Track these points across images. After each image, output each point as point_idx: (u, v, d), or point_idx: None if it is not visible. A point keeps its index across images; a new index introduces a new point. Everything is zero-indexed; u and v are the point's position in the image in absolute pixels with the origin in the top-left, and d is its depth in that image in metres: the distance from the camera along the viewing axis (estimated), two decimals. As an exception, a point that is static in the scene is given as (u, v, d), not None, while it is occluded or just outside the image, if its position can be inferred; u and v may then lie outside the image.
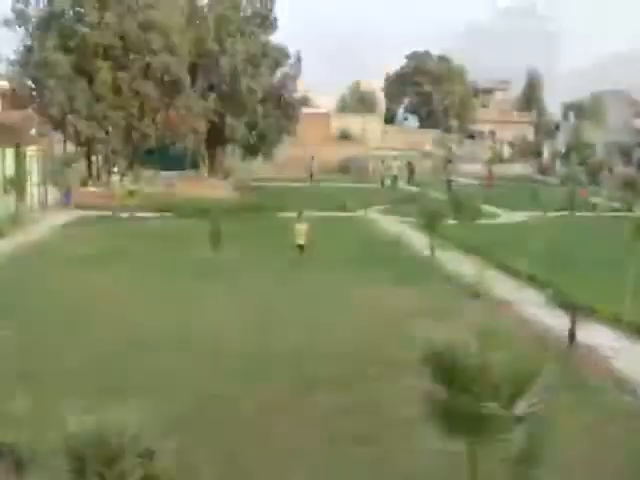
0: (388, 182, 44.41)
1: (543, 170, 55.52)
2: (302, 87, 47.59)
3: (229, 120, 39.23)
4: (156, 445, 5.73)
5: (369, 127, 66.77)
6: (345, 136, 61.04)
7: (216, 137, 40.61)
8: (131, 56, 34.36)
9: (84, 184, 35.03)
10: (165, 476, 5.74)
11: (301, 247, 20.14)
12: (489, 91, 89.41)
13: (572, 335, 12.63)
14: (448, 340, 6.70)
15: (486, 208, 30.10)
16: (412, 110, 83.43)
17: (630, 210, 34.14)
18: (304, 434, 8.96)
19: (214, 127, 39.29)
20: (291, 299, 16.05)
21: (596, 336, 13.23)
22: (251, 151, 43.08)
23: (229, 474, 8.00)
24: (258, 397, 10.19)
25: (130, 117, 34.65)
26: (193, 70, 38.02)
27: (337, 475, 7.97)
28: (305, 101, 48.03)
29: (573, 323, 12.69)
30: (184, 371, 11.17)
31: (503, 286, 17.63)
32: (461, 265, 20.03)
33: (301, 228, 20.35)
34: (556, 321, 13.29)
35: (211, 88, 39.27)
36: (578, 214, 33.35)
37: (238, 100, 38.93)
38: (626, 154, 50.99)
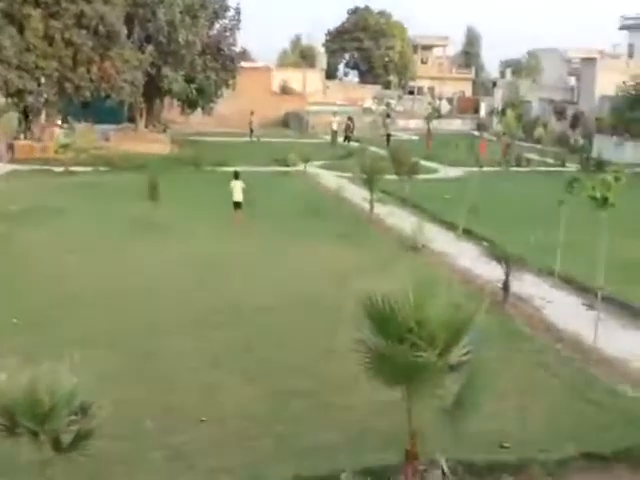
0: (329, 137, 44.35)
1: (481, 126, 56.21)
2: (242, 40, 46.76)
3: (167, 73, 38.26)
4: (91, 401, 5.65)
5: (310, 82, 66.25)
6: (286, 91, 60.40)
7: (153, 90, 39.60)
8: (63, 4, 32.95)
9: (16, 137, 33.81)
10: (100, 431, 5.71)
11: (237, 204, 19.84)
12: (428, 47, 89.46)
13: (506, 286, 13.00)
14: (385, 292, 6.82)
15: (425, 163, 30.42)
16: (353, 66, 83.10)
17: (563, 165, 35.03)
18: (246, 388, 9.03)
19: (151, 80, 38.27)
20: (229, 254, 16.02)
21: (529, 287, 13.67)
22: (190, 105, 42.27)
23: (168, 427, 8.04)
24: (196, 352, 10.20)
25: (63, 68, 33.36)
26: (129, 21, 36.78)
27: (276, 425, 8.06)
28: (245, 55, 47.13)
29: (507, 275, 13.04)
30: (119, 326, 11.07)
31: (440, 239, 18.00)
32: (400, 219, 20.31)
33: (237, 185, 20.01)
34: (491, 273, 13.63)
35: (148, 40, 38.11)
36: (513, 169, 34.05)
37: (176, 52, 37.98)
38: (560, 111, 51.97)
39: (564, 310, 12.89)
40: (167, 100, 44.10)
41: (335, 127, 44.66)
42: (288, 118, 55.74)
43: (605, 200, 12.07)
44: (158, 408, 8.35)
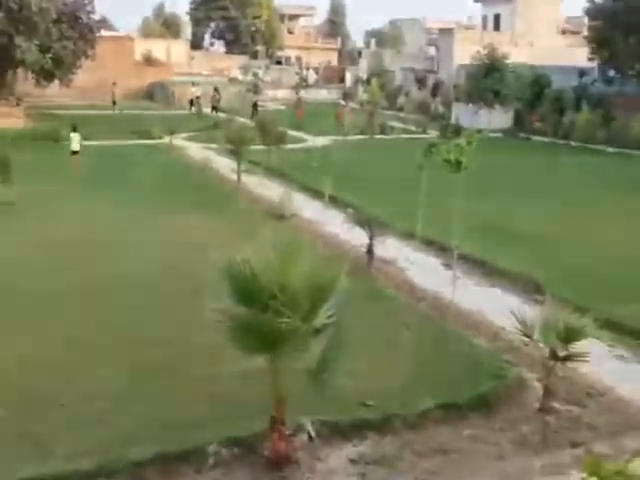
0: (193, 109, 43.52)
1: (347, 95, 57.05)
2: (101, 8, 44.74)
3: (19, 42, 35.89)
4: None
5: (174, 52, 64.56)
6: (150, 61, 58.50)
7: (5, 60, 37.11)
8: None
9: None
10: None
11: (75, 152, 22.91)
12: (295, 17, 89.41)
13: (370, 250, 13.34)
14: (248, 260, 6.79)
15: (293, 133, 30.52)
16: (219, 35, 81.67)
17: (425, 132, 36.25)
18: (105, 367, 8.77)
19: (3, 49, 35.82)
20: (91, 228, 15.44)
21: (393, 250, 14.10)
22: (46, 76, 39.93)
23: (23, 413, 7.69)
24: (52, 331, 9.79)
25: None
26: (-28, -16, 34.18)
27: (138, 403, 7.88)
28: (104, 23, 45.08)
29: (371, 239, 13.38)
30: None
31: (309, 207, 18.19)
32: (267, 189, 20.33)
33: (75, 137, 23.13)
34: (357, 238, 13.93)
35: (-4, 5, 35.59)
36: (378, 137, 34.84)
37: (28, 20, 35.64)
38: (421, 80, 53.63)
39: (425, 270, 13.41)
40: (21, 71, 41.52)
41: (194, 97, 43.94)
42: (152, 89, 54.13)
43: (459, 164, 12.60)
44: (13, 394, 7.96)
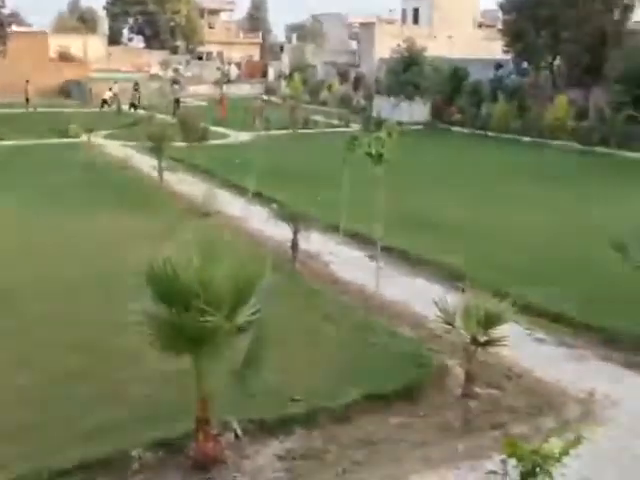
0: (114, 107, 42.52)
1: (269, 90, 56.90)
2: (12, 2, 43.12)
3: None
4: None
5: (91, 48, 62.92)
6: (65, 58, 56.81)
7: None
8: None
9: None
10: None
11: None
12: (215, 12, 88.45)
13: (295, 245, 13.33)
14: (169, 259, 6.66)
15: (216, 129, 30.23)
16: (137, 30, 79.99)
17: (347, 126, 36.50)
18: (22, 373, 8.46)
19: None
20: (9, 228, 14.93)
21: (317, 244, 14.14)
22: (-48, 74, 38.35)
23: None
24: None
25: None
26: None
27: (59, 410, 7.63)
28: (15, 18, 43.55)
29: (295, 234, 13.36)
30: None
31: (232, 204, 18.06)
32: (190, 186, 20.09)
33: None
34: (281, 233, 13.91)
35: None
36: (300, 131, 34.87)
37: None
38: (343, 74, 54.00)
39: (349, 263, 13.51)
40: None
41: (110, 95, 42.94)
42: (69, 86, 52.56)
43: (380, 156, 12.75)
44: None
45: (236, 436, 7.29)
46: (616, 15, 36.29)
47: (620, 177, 23.82)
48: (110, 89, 43.63)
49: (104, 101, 42.61)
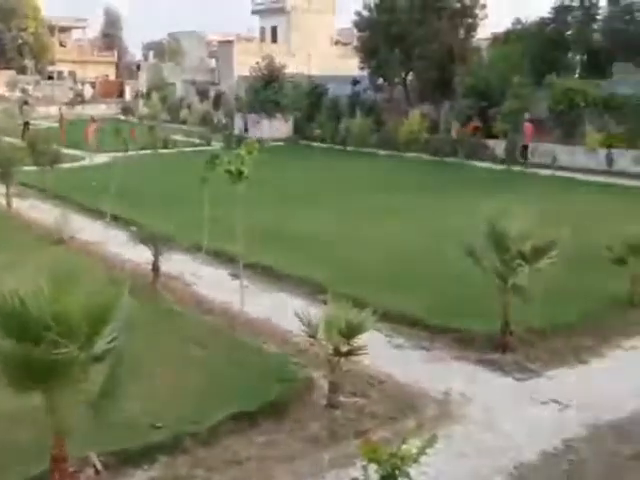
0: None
1: (126, 109, 55.52)
2: None
3: None
4: None
5: None
6: None
7: None
8: None
9: None
10: None
11: None
12: (67, 29, 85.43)
13: (155, 267, 13.02)
14: (16, 290, 6.29)
15: (69, 151, 29.06)
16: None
17: (209, 144, 36.24)
18: None
19: None
20: None
21: (179, 265, 13.87)
22: None
23: None
24: None
25: None
26: None
27: None
28: None
29: (156, 255, 13.05)
30: None
31: (89, 228, 17.38)
32: (42, 212, 19.16)
33: None
34: (141, 256, 13.53)
35: None
36: (160, 151, 34.24)
37: None
38: (202, 92, 53.67)
39: (213, 283, 13.34)
40: None
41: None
42: None
43: (240, 173, 12.70)
44: None
45: (96, 471, 6.95)
46: (461, 33, 38.44)
47: (469, 185, 25.17)
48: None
49: None
